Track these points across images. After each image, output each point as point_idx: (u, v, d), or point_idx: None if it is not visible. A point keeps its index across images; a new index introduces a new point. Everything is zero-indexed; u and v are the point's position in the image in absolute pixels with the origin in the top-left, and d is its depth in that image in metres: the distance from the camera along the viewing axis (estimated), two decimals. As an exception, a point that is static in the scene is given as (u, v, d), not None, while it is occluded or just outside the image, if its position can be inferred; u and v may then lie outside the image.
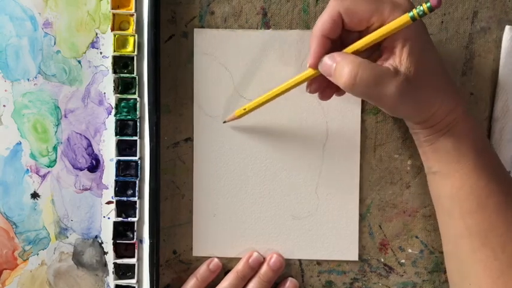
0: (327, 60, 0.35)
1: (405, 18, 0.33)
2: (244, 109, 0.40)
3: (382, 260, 0.44)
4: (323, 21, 0.35)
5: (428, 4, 0.32)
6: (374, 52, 0.36)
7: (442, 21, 0.42)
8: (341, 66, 0.35)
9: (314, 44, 0.36)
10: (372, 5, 0.35)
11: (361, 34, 0.36)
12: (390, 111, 0.37)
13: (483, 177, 0.36)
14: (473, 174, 0.36)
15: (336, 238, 0.43)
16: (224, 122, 0.42)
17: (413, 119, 0.37)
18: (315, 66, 0.36)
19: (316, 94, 0.39)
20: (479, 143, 0.37)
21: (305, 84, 0.38)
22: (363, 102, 0.43)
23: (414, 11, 0.33)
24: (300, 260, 0.44)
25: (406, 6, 0.34)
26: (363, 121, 0.43)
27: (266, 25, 0.43)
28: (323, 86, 0.38)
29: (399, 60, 0.35)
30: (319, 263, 0.44)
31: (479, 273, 0.35)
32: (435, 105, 0.36)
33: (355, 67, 0.34)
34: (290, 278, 0.43)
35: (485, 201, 0.36)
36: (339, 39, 0.37)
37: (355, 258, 0.43)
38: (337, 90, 0.39)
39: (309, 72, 0.37)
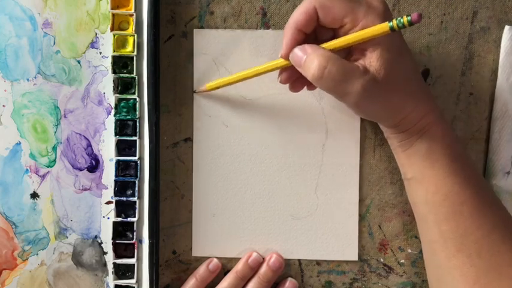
0: (298, 51, 0.36)
1: (384, 27, 0.33)
2: (216, 84, 0.41)
3: (382, 260, 0.44)
4: (298, 13, 0.36)
5: (409, 18, 0.32)
6: (344, 50, 0.36)
7: (442, 21, 0.42)
8: (311, 59, 0.35)
9: (287, 35, 0.36)
10: (347, 4, 0.35)
11: (334, 31, 0.36)
12: (355, 110, 0.37)
13: (457, 183, 0.36)
14: (447, 180, 0.36)
15: (335, 238, 0.43)
16: (194, 91, 0.42)
17: (382, 121, 0.38)
18: (286, 56, 0.37)
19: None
20: (453, 148, 0.37)
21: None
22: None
23: (394, 22, 0.33)
24: (299, 260, 0.44)
25: (381, 11, 0.35)
26: (362, 121, 0.43)
27: (266, 25, 0.43)
28: (294, 77, 0.38)
29: (369, 61, 0.35)
30: (318, 263, 0.44)
31: (456, 279, 0.35)
32: (406, 109, 0.36)
33: (324, 60, 0.34)
34: (289, 278, 0.43)
35: (460, 207, 0.35)
36: (313, 33, 0.37)
37: (355, 258, 0.43)
38: (308, 84, 0.39)
39: (280, 61, 0.37)
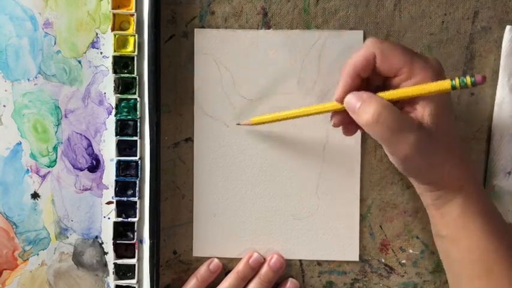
0: (353, 97, 0.36)
1: (446, 85, 0.33)
2: (261, 120, 0.41)
3: (383, 260, 0.43)
4: (357, 58, 0.36)
5: (473, 79, 0.32)
6: (395, 103, 0.36)
7: (443, 21, 0.42)
8: (366, 105, 0.35)
9: (343, 79, 0.36)
10: (406, 55, 0.35)
11: (385, 79, 0.36)
12: (401, 163, 0.36)
13: (491, 243, 0.36)
14: (481, 241, 0.36)
15: (336, 238, 0.43)
16: (238, 124, 0.42)
17: (421, 178, 0.37)
18: (341, 100, 0.36)
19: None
20: (487, 207, 0.37)
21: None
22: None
23: (457, 82, 0.33)
24: (300, 261, 0.44)
25: (437, 68, 0.35)
26: (363, 121, 0.43)
27: (266, 25, 0.43)
28: (346, 121, 0.38)
29: (421, 116, 0.35)
30: (319, 263, 0.44)
31: None
32: (446, 167, 0.36)
33: (379, 107, 0.34)
34: (290, 279, 0.43)
35: (493, 266, 0.36)
36: (366, 78, 0.37)
37: (356, 258, 0.43)
38: (362, 128, 0.38)
39: (334, 105, 0.37)
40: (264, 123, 0.41)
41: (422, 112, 0.35)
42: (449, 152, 0.36)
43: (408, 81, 0.35)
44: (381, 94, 0.35)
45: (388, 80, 0.36)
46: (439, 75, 0.35)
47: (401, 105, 0.36)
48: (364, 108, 0.35)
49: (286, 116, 0.40)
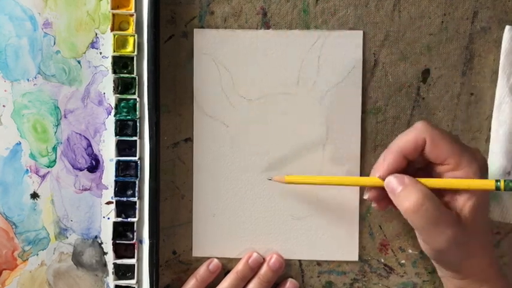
0: (395, 180, 0.36)
1: (491, 184, 0.34)
2: (295, 180, 0.41)
3: (382, 260, 0.43)
4: (407, 140, 0.36)
5: None
6: (435, 191, 0.36)
7: (442, 21, 0.42)
8: (408, 191, 0.35)
9: (389, 158, 0.36)
10: (456, 146, 0.35)
11: (429, 164, 0.36)
12: (432, 252, 0.36)
13: None
14: None
15: (336, 238, 0.43)
16: (269, 179, 0.42)
17: (450, 267, 0.37)
18: (383, 177, 0.36)
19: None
20: None
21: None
22: (363, 102, 0.42)
23: (502, 183, 0.33)
24: (299, 261, 0.44)
25: (482, 165, 0.35)
26: (362, 121, 0.43)
27: (266, 25, 0.43)
28: (382, 197, 0.38)
29: (460, 209, 0.35)
30: (319, 263, 0.44)
31: None
32: (476, 259, 0.36)
33: (422, 197, 0.34)
34: (290, 279, 0.43)
35: None
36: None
37: (355, 258, 0.43)
38: (394, 205, 0.38)
39: (375, 181, 0.37)
40: (297, 183, 0.41)
41: (463, 205, 0.35)
42: (482, 245, 0.36)
43: (453, 172, 0.35)
44: (423, 181, 0.35)
45: (431, 165, 0.36)
46: (482, 171, 0.35)
47: (443, 192, 0.36)
48: (406, 194, 0.35)
49: (322, 181, 0.40)
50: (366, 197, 0.39)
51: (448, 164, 0.35)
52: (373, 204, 0.39)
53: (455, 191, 0.35)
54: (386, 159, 0.36)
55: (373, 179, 0.37)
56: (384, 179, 0.36)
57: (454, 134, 0.36)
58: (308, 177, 0.41)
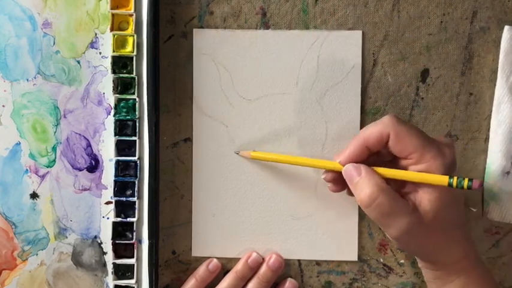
0: (353, 169, 0.36)
1: (443, 181, 0.34)
2: (259, 157, 0.42)
3: (382, 260, 0.44)
4: (371, 132, 0.36)
5: (470, 183, 0.34)
6: (397, 180, 0.36)
7: (442, 21, 0.42)
8: (364, 183, 0.35)
9: (352, 147, 0.37)
10: (420, 143, 0.35)
11: (394, 157, 0.37)
12: (394, 242, 0.38)
13: None
14: None
15: (335, 238, 0.43)
16: (236, 153, 0.43)
17: (418, 257, 0.38)
18: (343, 164, 0.37)
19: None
20: None
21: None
22: (362, 102, 0.42)
23: (454, 180, 0.34)
24: (299, 261, 0.44)
25: (448, 161, 0.35)
26: (362, 121, 0.43)
27: (265, 25, 0.43)
28: (338, 180, 0.39)
29: (420, 200, 0.35)
30: (318, 263, 0.44)
31: None
32: (443, 252, 0.36)
33: (376, 191, 0.35)
34: (289, 279, 0.43)
35: None
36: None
37: (355, 258, 0.43)
38: (349, 190, 0.39)
39: (335, 165, 0.38)
40: (261, 160, 0.42)
41: (421, 197, 0.35)
42: (449, 237, 0.36)
43: (416, 166, 0.36)
44: (380, 170, 0.36)
45: (397, 159, 0.37)
46: (449, 169, 0.35)
47: (405, 184, 0.37)
48: (362, 185, 0.35)
49: (284, 160, 0.41)
50: (323, 176, 0.40)
51: (411, 158, 0.36)
52: (328, 185, 0.40)
53: (417, 184, 0.36)
54: (350, 146, 0.37)
55: (333, 163, 0.38)
56: (343, 165, 0.37)
57: (421, 129, 0.37)
58: (272, 154, 0.42)
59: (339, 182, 0.39)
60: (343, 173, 0.37)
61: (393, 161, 0.37)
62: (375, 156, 0.37)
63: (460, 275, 0.37)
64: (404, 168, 0.36)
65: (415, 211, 0.35)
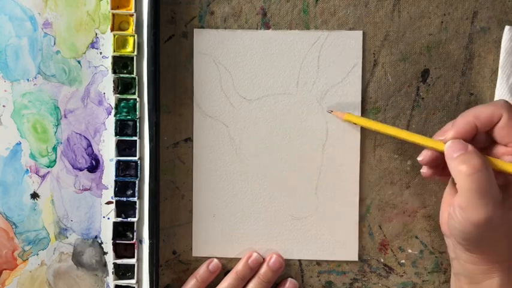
0: (459, 143, 0.35)
1: None
2: (355, 120, 0.41)
3: (382, 260, 0.44)
4: (482, 111, 0.35)
5: None
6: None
7: (442, 22, 0.42)
8: (470, 155, 0.34)
9: (459, 125, 0.36)
10: None
11: (491, 143, 0.36)
12: (468, 227, 0.35)
13: None
14: None
15: (335, 238, 0.43)
16: (329, 111, 0.42)
17: (478, 248, 0.36)
18: (447, 141, 0.36)
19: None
20: None
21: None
22: (362, 102, 0.42)
23: None
24: (299, 261, 0.44)
25: None
26: (362, 121, 0.43)
27: (266, 25, 0.43)
28: (434, 164, 0.38)
29: (509, 195, 0.35)
30: (318, 263, 0.44)
31: None
32: (504, 245, 0.36)
33: (482, 164, 0.33)
34: (290, 279, 0.43)
35: None
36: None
37: (355, 258, 0.43)
38: (442, 176, 0.38)
39: (436, 144, 0.36)
40: (355, 123, 0.41)
41: None
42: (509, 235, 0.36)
43: (510, 157, 0.35)
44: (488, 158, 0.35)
45: (490, 147, 0.36)
46: None
47: (498, 174, 0.35)
48: (465, 158, 0.34)
49: (379, 128, 0.40)
50: (419, 159, 0.38)
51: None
52: (423, 170, 0.39)
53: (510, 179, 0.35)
54: (456, 124, 0.36)
55: (434, 141, 0.36)
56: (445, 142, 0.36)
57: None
58: (366, 120, 0.41)
59: (435, 166, 0.37)
60: (445, 148, 0.35)
61: (487, 148, 0.36)
62: (469, 141, 0.36)
63: (504, 271, 0.36)
64: (497, 157, 0.36)
65: (503, 203, 0.34)
